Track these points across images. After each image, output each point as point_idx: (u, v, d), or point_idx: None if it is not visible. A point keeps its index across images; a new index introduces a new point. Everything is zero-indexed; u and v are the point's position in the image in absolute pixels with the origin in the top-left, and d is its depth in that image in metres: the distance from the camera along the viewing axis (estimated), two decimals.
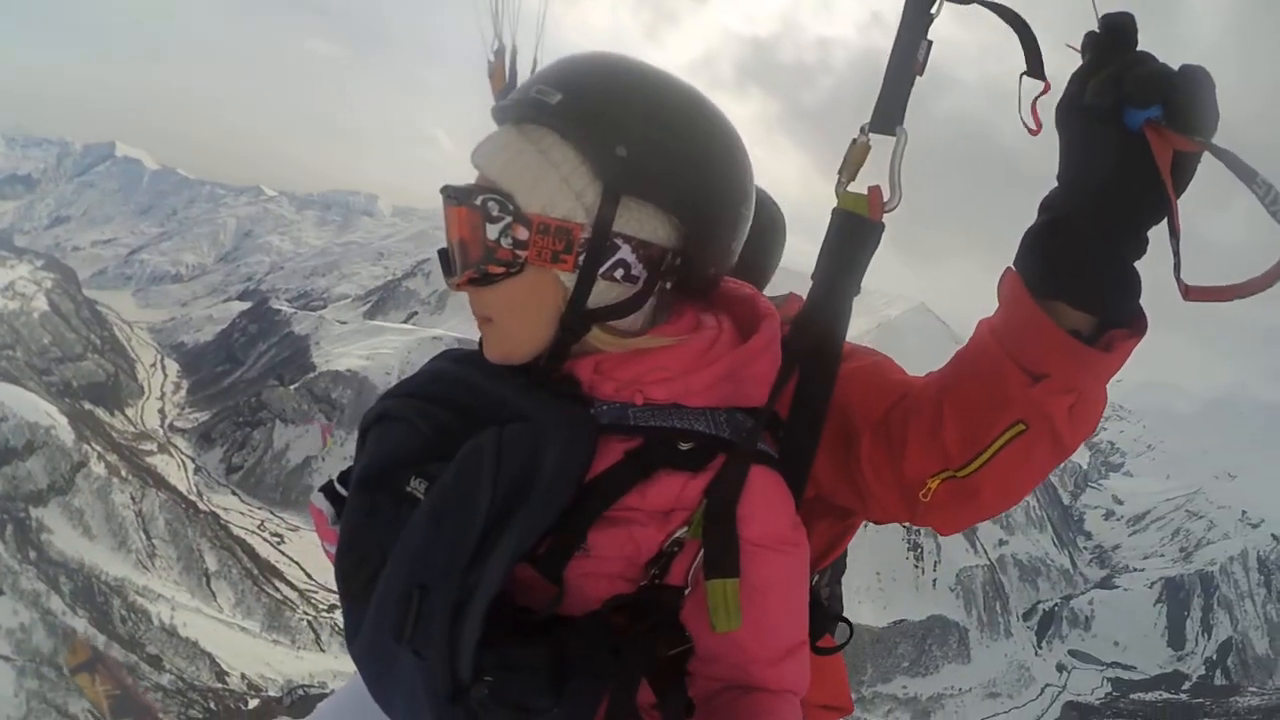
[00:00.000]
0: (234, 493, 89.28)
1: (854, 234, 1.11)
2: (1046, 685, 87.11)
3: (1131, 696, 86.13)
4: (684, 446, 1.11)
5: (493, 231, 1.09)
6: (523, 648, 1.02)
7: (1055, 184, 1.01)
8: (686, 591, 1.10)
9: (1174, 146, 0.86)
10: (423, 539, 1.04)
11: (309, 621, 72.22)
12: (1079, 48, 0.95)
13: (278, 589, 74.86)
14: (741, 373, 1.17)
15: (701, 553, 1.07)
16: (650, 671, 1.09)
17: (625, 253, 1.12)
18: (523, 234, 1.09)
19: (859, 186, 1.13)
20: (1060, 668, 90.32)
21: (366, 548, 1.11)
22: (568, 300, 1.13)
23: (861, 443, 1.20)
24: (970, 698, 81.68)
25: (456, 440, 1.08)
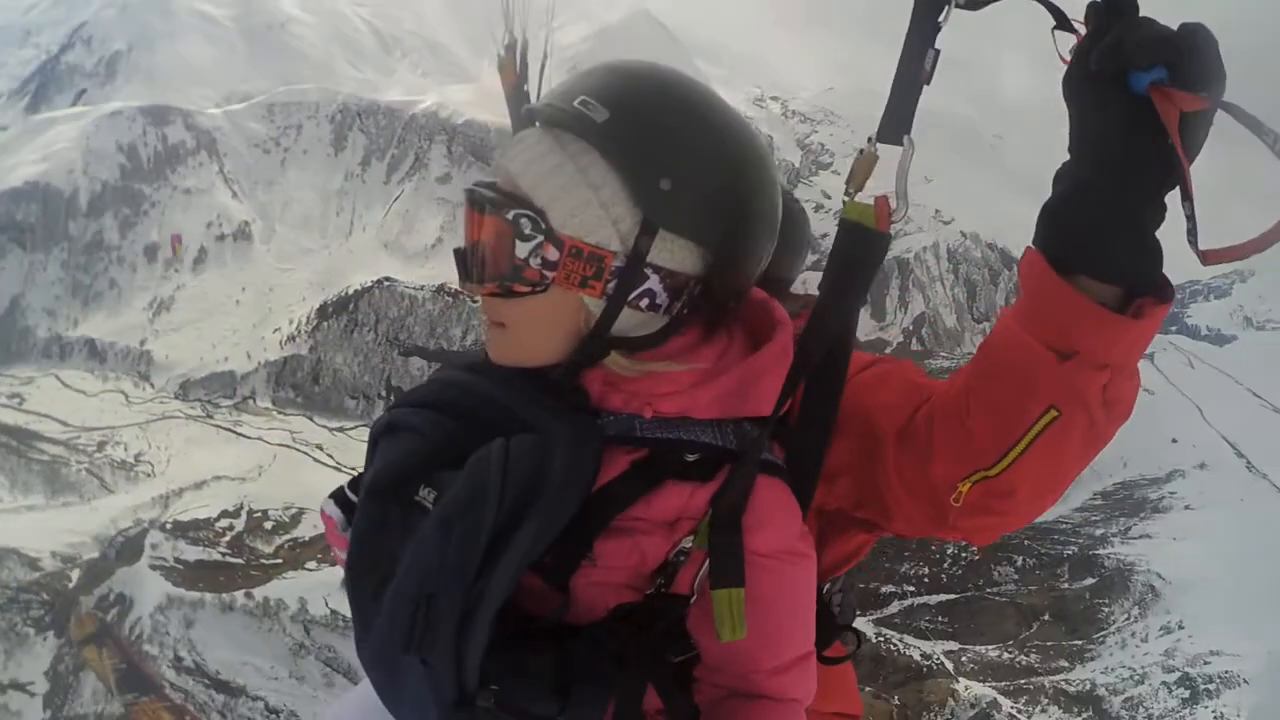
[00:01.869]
0: None
1: (861, 245, 1.09)
2: None
3: None
4: (690, 457, 1.11)
5: (522, 250, 1.06)
6: (528, 655, 1.03)
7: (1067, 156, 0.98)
8: (692, 600, 1.10)
9: (1180, 107, 0.85)
10: (431, 549, 1.03)
11: (86, 469, 69.67)
12: (1084, 22, 0.94)
13: (42, 450, 70.48)
14: (751, 385, 1.15)
15: (707, 562, 1.07)
16: (656, 678, 1.09)
17: (653, 282, 1.10)
18: (553, 255, 1.06)
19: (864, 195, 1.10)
20: None
21: (377, 555, 1.10)
22: (590, 324, 1.11)
23: (887, 452, 1.17)
24: None
25: (464, 449, 1.06)
